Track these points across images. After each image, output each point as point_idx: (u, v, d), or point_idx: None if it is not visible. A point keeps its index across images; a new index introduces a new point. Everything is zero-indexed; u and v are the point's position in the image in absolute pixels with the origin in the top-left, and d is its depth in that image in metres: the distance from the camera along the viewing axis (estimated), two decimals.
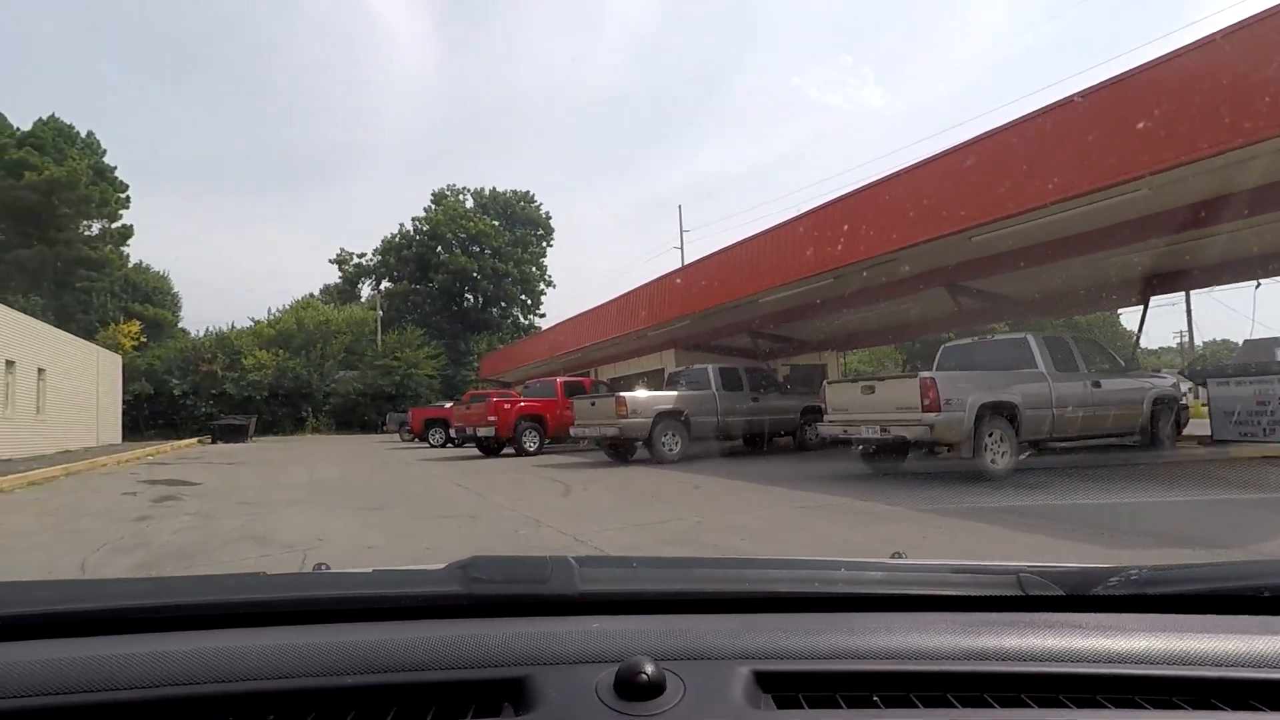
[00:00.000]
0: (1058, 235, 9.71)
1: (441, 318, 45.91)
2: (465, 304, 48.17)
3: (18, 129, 36.59)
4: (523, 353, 32.13)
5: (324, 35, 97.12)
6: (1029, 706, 0.72)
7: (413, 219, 48.12)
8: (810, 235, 11.95)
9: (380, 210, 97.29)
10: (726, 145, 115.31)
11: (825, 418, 9.19)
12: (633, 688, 0.67)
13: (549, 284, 50.95)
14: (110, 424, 28.93)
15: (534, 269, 49.41)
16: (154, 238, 70.85)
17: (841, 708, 0.71)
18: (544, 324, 49.11)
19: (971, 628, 0.85)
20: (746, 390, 13.05)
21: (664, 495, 8.20)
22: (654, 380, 20.75)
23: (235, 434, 27.90)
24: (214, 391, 35.29)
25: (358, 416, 38.64)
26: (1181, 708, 0.73)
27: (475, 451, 16.37)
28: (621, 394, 11.83)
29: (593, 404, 12.56)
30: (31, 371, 20.92)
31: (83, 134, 38.22)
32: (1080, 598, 0.95)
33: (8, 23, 60.37)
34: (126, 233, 39.60)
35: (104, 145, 38.98)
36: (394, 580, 1.03)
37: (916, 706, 0.72)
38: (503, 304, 48.88)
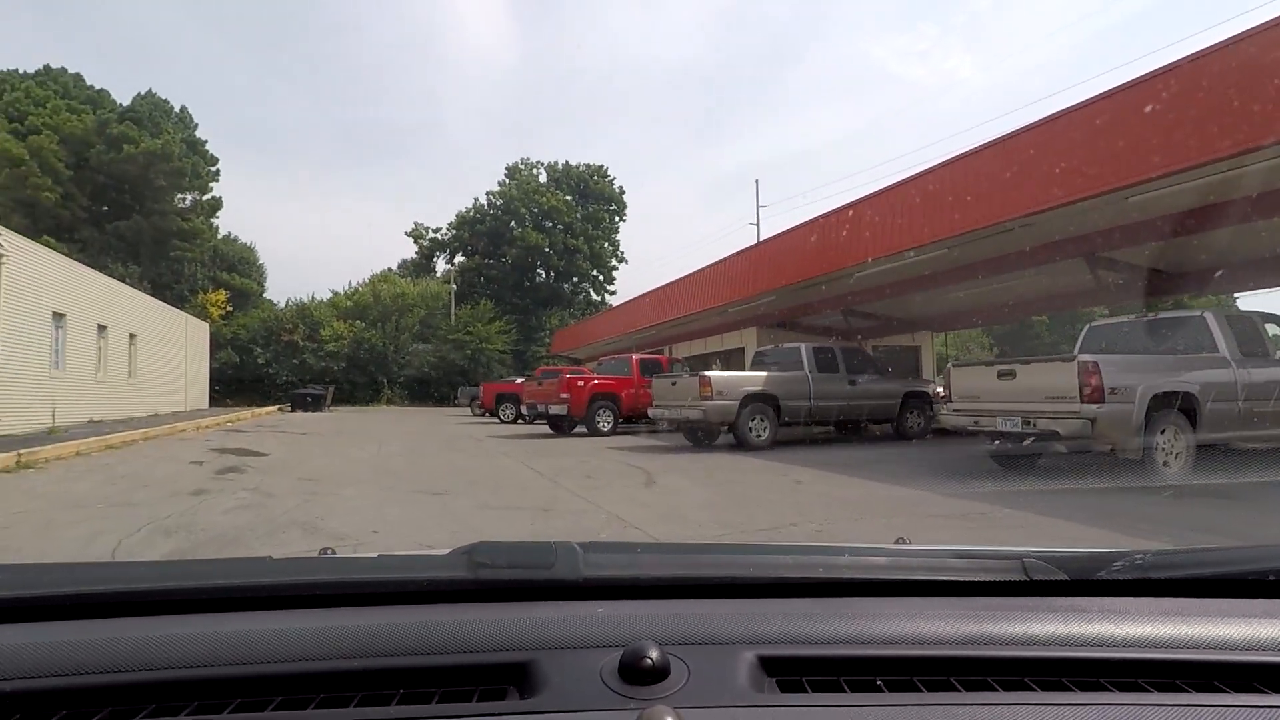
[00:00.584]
0: (1241, 194, 8.08)
1: (513, 293, 45.82)
2: (537, 279, 47.95)
3: (120, 104, 38.11)
4: (594, 329, 31.54)
5: (401, 12, 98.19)
6: (1032, 690, 0.71)
7: (486, 193, 48.17)
8: (925, 199, 10.57)
9: (456, 184, 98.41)
10: (803, 120, 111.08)
11: (949, 406, 7.93)
12: (637, 672, 0.67)
13: (621, 260, 50.22)
14: (198, 390, 29.89)
15: (606, 245, 48.67)
16: (239, 210, 73.34)
17: (845, 691, 0.70)
18: (615, 300, 48.60)
19: (975, 612, 0.84)
20: (842, 372, 11.81)
21: (761, 491, 7.18)
22: (733, 360, 19.64)
23: (312, 403, 28.34)
24: (294, 361, 36.19)
25: (430, 389, 39.14)
26: (1184, 690, 0.72)
27: (546, 429, 15.72)
28: (706, 374, 10.81)
29: (673, 384, 11.59)
30: (123, 336, 21.52)
31: (177, 108, 39.51)
32: (1085, 582, 0.94)
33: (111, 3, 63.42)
34: (216, 204, 40.90)
35: (196, 119, 40.24)
36: (399, 565, 1.03)
37: (920, 690, 0.71)
38: (574, 280, 48.42)
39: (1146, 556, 0.96)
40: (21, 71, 37.29)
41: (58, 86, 37.05)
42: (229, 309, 37.66)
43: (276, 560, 1.02)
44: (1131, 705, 0.68)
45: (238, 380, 35.71)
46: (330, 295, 41.97)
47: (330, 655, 0.72)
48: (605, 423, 14.47)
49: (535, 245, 44.97)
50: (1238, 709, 0.69)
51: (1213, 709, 0.68)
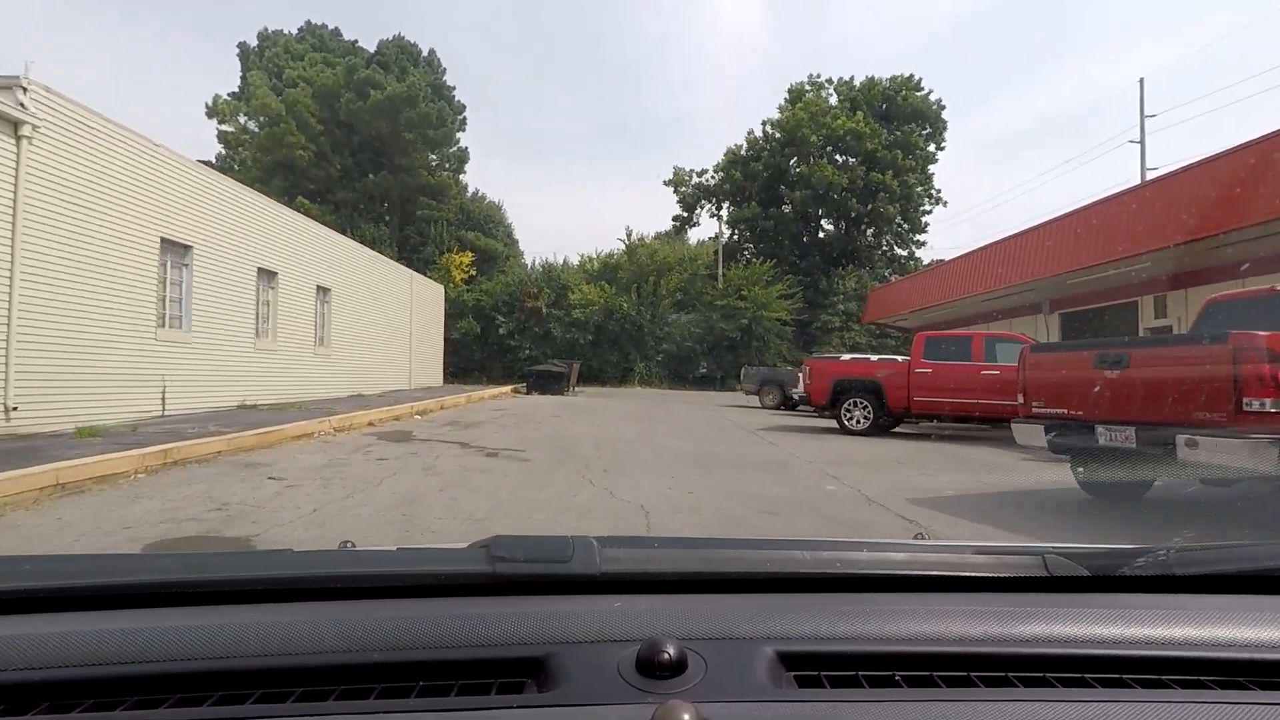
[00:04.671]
0: None
1: (792, 249, 36.02)
2: (823, 232, 37.62)
3: (370, 52, 35.28)
4: (920, 290, 21.35)
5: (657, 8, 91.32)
6: (1054, 687, 0.70)
7: (763, 123, 38.30)
8: None
9: (723, 136, 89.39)
10: (1161, 34, 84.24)
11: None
12: (654, 666, 0.66)
13: (937, 201, 37.68)
14: (428, 363, 24.79)
15: (915, 181, 36.45)
16: (485, 170, 71.68)
17: (864, 687, 0.69)
18: (925, 255, 36.69)
19: (996, 609, 0.82)
20: None
21: None
22: None
23: (552, 383, 21.50)
24: (538, 331, 30.34)
25: (693, 366, 31.33)
26: (1209, 688, 0.70)
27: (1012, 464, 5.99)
28: None
29: None
30: (307, 290, 15.80)
31: (425, 51, 35.79)
32: (1107, 579, 0.92)
33: None
34: (463, 156, 36.82)
35: (443, 64, 36.27)
36: (418, 558, 1.01)
37: (939, 686, 0.70)
38: (872, 230, 37.18)
39: (1170, 553, 0.94)
40: (286, 31, 35.91)
41: (315, 40, 35.05)
42: (473, 273, 33.02)
43: (297, 553, 1.01)
44: (1156, 703, 0.66)
45: (479, 353, 30.81)
46: (580, 258, 35.81)
47: (350, 648, 0.71)
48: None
49: (825, 183, 34.36)
50: (1265, 707, 0.66)
51: (1239, 707, 0.66)
